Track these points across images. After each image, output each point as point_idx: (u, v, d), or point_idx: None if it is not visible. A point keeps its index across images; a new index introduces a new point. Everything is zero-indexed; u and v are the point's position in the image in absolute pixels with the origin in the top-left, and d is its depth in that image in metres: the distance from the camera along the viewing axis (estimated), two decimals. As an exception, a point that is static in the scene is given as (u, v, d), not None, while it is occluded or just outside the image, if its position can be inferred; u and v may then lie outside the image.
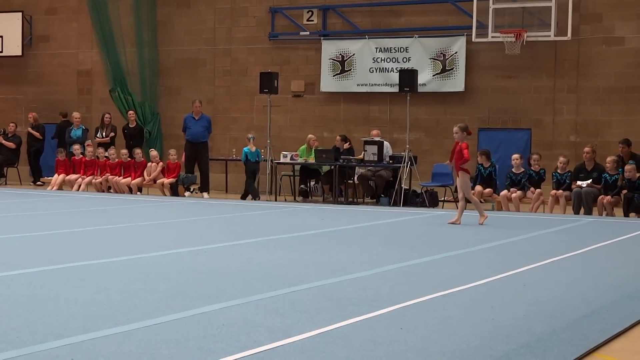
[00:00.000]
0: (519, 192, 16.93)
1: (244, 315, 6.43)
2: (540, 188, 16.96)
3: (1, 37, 24.26)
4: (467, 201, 13.93)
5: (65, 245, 10.59)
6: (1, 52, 24.32)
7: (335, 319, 6.30)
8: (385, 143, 18.76)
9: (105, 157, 20.59)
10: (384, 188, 18.51)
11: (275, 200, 18.95)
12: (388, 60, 20.71)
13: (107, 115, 22.07)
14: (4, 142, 22.96)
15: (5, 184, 22.84)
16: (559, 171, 16.95)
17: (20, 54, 24.30)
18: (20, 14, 24.26)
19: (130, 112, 21.88)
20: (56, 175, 21.05)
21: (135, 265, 8.86)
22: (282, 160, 19.34)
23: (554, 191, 16.75)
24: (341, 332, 5.93)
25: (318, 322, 6.17)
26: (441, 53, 20.22)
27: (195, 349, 5.36)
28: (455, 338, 5.81)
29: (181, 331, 5.83)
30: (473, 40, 19.48)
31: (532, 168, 17.24)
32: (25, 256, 9.37)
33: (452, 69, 20.13)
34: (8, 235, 11.28)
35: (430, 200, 17.98)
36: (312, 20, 21.59)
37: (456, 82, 20.14)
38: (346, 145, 19.28)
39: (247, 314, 6.48)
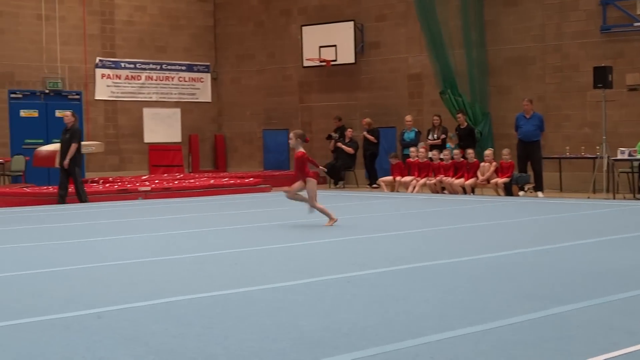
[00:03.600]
0: None
1: (597, 316, 6.26)
2: None
3: (335, 46, 25.30)
4: None
5: (407, 246, 10.83)
6: (336, 60, 25.35)
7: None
8: None
9: (440, 159, 20.85)
10: None
11: (614, 198, 18.31)
12: None
13: (435, 118, 22.38)
14: (343, 147, 24.02)
15: (344, 187, 23.83)
16: None
17: (353, 61, 25.24)
18: (352, 22, 25.20)
19: (459, 113, 21.95)
20: (390, 177, 21.65)
21: (480, 265, 8.88)
22: (619, 157, 18.65)
23: None
24: None
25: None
26: None
27: (552, 350, 5.28)
28: None
29: (535, 332, 5.77)
30: None
31: None
32: (382, 256, 9.69)
33: None
34: (365, 236, 11.71)
35: None
36: (645, 10, 20.67)
37: None
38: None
39: (600, 315, 6.30)
